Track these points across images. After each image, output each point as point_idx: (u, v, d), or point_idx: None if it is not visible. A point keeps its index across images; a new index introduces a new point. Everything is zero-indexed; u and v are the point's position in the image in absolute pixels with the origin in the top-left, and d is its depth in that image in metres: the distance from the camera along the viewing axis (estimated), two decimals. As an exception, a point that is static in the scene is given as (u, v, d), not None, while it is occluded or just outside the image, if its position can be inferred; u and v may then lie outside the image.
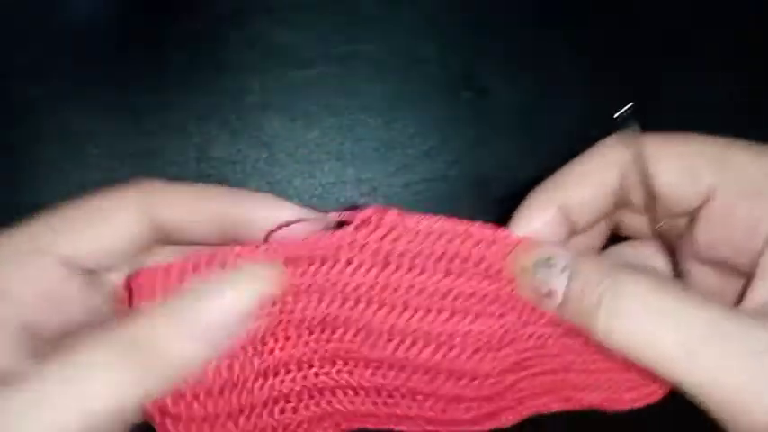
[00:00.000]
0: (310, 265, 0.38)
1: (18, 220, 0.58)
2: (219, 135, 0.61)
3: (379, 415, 0.42)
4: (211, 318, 0.33)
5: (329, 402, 0.41)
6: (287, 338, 0.40)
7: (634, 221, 0.43)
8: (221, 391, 0.39)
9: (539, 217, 0.39)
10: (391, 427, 0.43)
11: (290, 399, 0.41)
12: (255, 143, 0.61)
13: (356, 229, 0.38)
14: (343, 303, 0.39)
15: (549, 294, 0.37)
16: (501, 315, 0.39)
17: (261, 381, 0.41)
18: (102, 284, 0.42)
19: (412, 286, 0.39)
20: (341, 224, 0.39)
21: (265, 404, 0.41)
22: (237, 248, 0.37)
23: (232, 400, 0.40)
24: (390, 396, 0.41)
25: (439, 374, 0.40)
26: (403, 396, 0.41)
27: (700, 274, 0.42)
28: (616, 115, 0.40)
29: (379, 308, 0.39)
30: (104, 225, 0.39)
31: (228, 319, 0.33)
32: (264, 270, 0.35)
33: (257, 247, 0.38)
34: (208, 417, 0.40)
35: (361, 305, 0.39)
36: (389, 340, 0.40)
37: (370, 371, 0.41)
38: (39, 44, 0.61)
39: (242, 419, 0.41)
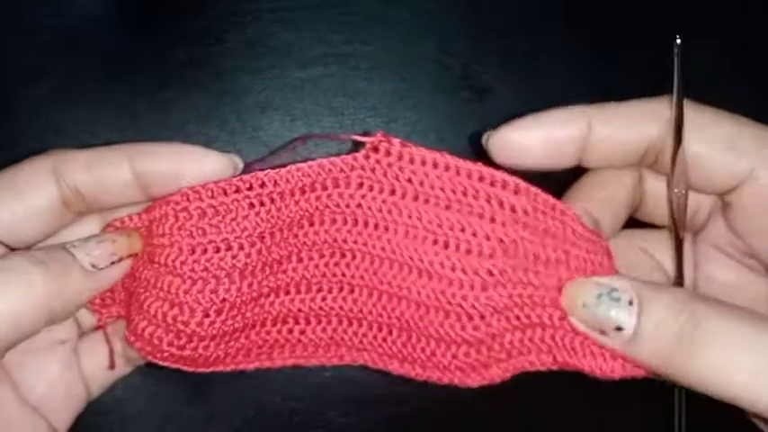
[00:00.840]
0: (324, 189, 0.42)
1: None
2: (219, 135, 0.61)
3: (377, 351, 0.44)
4: (95, 252, 0.39)
5: (334, 330, 0.44)
6: (299, 260, 0.43)
7: (655, 191, 0.42)
8: (239, 306, 0.42)
9: (561, 122, 0.39)
10: (386, 367, 0.44)
11: (299, 320, 0.44)
12: (255, 143, 0.61)
13: (367, 154, 0.41)
14: (354, 224, 0.42)
15: (617, 330, 0.36)
16: (491, 255, 0.40)
17: (273, 297, 0.43)
18: None
19: (416, 212, 0.41)
20: (355, 149, 0.41)
21: (275, 321, 0.44)
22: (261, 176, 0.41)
23: (246, 314, 0.43)
24: (389, 332, 0.43)
25: (430, 310, 0.41)
26: (399, 334, 0.43)
27: (717, 266, 0.41)
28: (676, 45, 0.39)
29: (385, 231, 0.42)
30: (20, 194, 0.40)
31: (107, 256, 0.40)
32: (133, 233, 0.41)
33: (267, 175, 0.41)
34: (225, 333, 0.42)
35: (369, 228, 0.42)
36: (390, 267, 0.42)
37: (372, 300, 0.43)
38: (39, 44, 0.61)
39: (253, 333, 0.44)
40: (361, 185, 0.41)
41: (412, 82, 0.62)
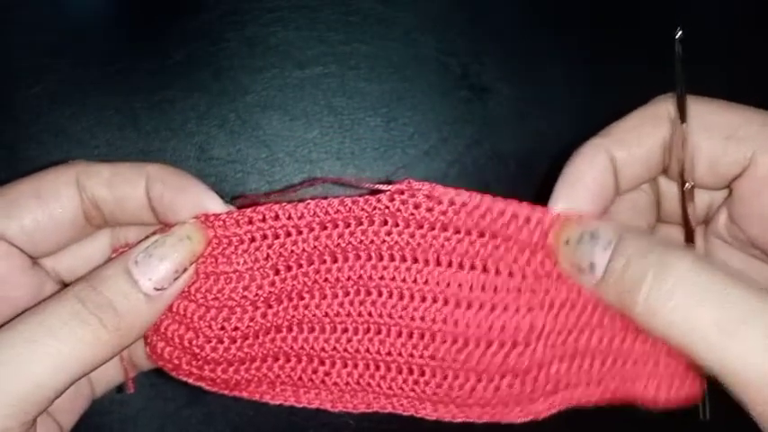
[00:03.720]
0: (347, 226, 0.40)
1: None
2: (219, 134, 0.61)
3: (408, 396, 0.42)
4: (158, 276, 0.38)
5: (361, 375, 0.42)
6: (323, 297, 0.41)
7: (668, 193, 0.42)
8: (255, 336, 0.41)
9: (589, 169, 0.39)
10: (418, 413, 0.42)
11: (323, 361, 0.42)
12: (255, 142, 0.61)
13: (391, 196, 0.39)
14: (379, 259, 0.40)
15: (590, 268, 0.36)
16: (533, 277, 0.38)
17: (295, 332, 0.42)
18: (46, 271, 0.42)
19: (448, 243, 0.39)
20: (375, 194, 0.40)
21: (299, 358, 0.42)
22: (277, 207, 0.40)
23: (265, 344, 0.42)
24: (421, 373, 0.41)
25: (469, 342, 0.39)
26: (432, 374, 0.41)
27: (725, 257, 0.41)
28: (677, 37, 0.39)
29: (414, 262, 0.40)
30: (42, 202, 0.40)
31: (170, 276, 0.38)
32: (195, 231, 0.39)
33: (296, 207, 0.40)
34: (243, 360, 0.42)
35: (396, 261, 0.40)
36: (422, 300, 0.40)
37: (401, 340, 0.41)
38: (39, 44, 0.61)
39: (276, 366, 0.42)
40: (385, 223, 0.40)
41: (412, 82, 0.62)
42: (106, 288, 0.37)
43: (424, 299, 0.40)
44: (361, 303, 0.41)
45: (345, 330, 0.41)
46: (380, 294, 0.41)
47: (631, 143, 0.39)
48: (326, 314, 0.41)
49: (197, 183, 0.41)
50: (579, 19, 0.64)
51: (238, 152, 0.61)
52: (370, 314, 0.41)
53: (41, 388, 0.34)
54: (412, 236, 0.39)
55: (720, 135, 0.37)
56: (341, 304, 0.41)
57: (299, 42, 0.62)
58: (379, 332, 0.41)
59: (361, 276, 0.40)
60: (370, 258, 0.40)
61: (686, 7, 0.65)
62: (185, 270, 0.39)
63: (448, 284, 0.39)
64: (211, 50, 0.62)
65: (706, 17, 0.65)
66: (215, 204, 0.40)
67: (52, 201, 0.40)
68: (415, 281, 0.40)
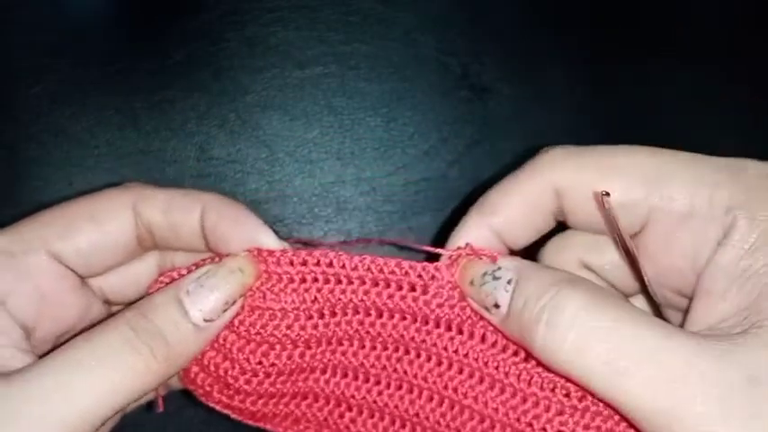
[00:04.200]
0: (398, 289, 0.40)
1: (18, 219, 0.59)
2: (219, 134, 0.61)
3: None
4: (208, 307, 0.38)
5: (386, 429, 0.42)
6: (362, 346, 0.42)
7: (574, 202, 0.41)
8: (290, 373, 0.42)
9: (474, 239, 0.39)
10: None
11: (351, 407, 0.43)
12: (255, 142, 0.61)
13: (450, 264, 0.39)
14: (424, 323, 0.40)
15: (495, 307, 0.36)
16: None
17: (329, 375, 0.42)
18: (93, 290, 0.42)
19: (492, 326, 0.39)
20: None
21: (327, 399, 0.43)
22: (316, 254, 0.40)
23: (298, 382, 0.42)
24: None
25: (496, 425, 0.39)
26: None
27: (663, 295, 0.40)
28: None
29: (458, 333, 0.40)
30: (98, 225, 0.40)
31: (220, 307, 0.38)
32: (247, 264, 0.39)
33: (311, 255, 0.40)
34: (274, 395, 0.42)
35: (441, 328, 0.40)
36: (459, 371, 0.40)
37: (431, 405, 0.41)
38: (39, 44, 0.61)
39: (304, 404, 0.43)
40: (437, 294, 0.40)
41: (412, 82, 0.62)
42: (157, 317, 0.37)
43: (461, 371, 0.40)
44: (398, 360, 0.41)
45: (378, 382, 0.42)
46: (419, 356, 0.41)
47: (509, 214, 0.39)
48: (362, 364, 0.42)
49: (252, 216, 0.41)
50: (579, 19, 0.64)
51: (238, 152, 0.61)
52: (405, 372, 0.41)
53: (89, 415, 0.34)
54: (463, 309, 0.39)
55: (615, 203, 0.37)
56: (378, 357, 0.41)
57: (299, 42, 0.62)
58: (410, 391, 0.41)
59: (402, 336, 0.41)
60: (415, 321, 0.40)
61: (686, 7, 0.65)
62: (234, 302, 0.39)
63: (486, 363, 0.39)
64: (211, 50, 0.62)
65: (706, 17, 0.65)
66: (269, 239, 0.40)
67: (108, 224, 0.40)
68: (456, 351, 0.40)
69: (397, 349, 0.41)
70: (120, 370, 0.34)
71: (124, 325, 0.36)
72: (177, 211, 0.40)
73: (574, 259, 0.42)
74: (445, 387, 0.40)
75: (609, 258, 0.41)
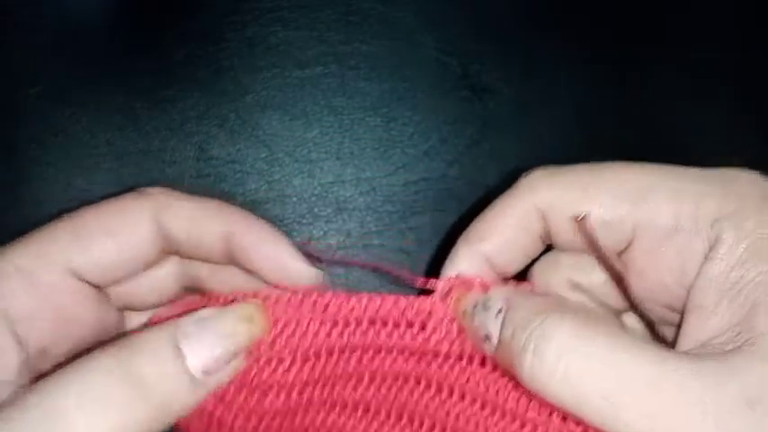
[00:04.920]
0: (395, 326, 0.40)
1: (18, 220, 0.59)
2: (218, 134, 0.61)
3: None
4: (209, 356, 0.34)
5: None
6: (360, 380, 0.41)
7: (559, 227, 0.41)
8: (285, 414, 0.40)
9: (466, 269, 0.39)
10: None
11: None
12: (254, 142, 0.61)
13: (443, 296, 0.39)
14: (422, 355, 0.39)
15: (487, 338, 0.35)
16: None
17: (322, 414, 0.41)
18: (111, 299, 0.41)
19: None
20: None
21: None
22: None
23: (295, 421, 0.41)
24: None
25: None
26: None
27: (655, 312, 0.40)
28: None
29: (456, 360, 0.39)
30: (118, 236, 0.38)
31: (223, 359, 0.35)
32: (259, 314, 0.37)
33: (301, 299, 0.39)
34: (268, 429, 0.41)
35: (439, 359, 0.39)
36: (461, 398, 0.39)
37: None
38: (39, 44, 0.61)
39: None
40: (436, 330, 0.39)
41: (412, 82, 0.62)
42: (148, 361, 0.32)
43: (462, 397, 0.39)
44: (399, 390, 0.40)
45: (378, 413, 0.41)
46: (419, 384, 0.40)
47: (497, 240, 0.39)
48: (362, 396, 0.41)
49: (281, 238, 0.39)
50: (579, 19, 0.64)
51: (238, 152, 0.61)
52: (405, 402, 0.40)
53: None
54: (463, 341, 0.39)
55: (599, 221, 0.36)
56: (378, 388, 0.40)
57: (299, 42, 0.62)
58: (411, 421, 0.40)
59: (402, 368, 0.40)
60: (414, 354, 0.40)
61: (687, 7, 0.65)
62: (239, 356, 0.36)
63: (487, 388, 0.38)
64: (211, 50, 0.62)
65: (707, 17, 0.65)
66: (298, 263, 0.39)
67: (127, 236, 0.38)
68: (456, 378, 0.39)
69: (396, 379, 0.40)
70: (98, 419, 0.31)
71: (111, 364, 0.32)
72: (201, 226, 0.39)
73: (563, 280, 0.41)
74: (447, 414, 0.39)
75: (597, 277, 0.40)
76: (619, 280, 0.38)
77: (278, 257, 0.39)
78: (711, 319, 0.33)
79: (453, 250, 0.40)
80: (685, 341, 0.34)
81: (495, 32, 0.63)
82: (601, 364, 0.31)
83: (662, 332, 0.40)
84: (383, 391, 0.41)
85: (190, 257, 0.41)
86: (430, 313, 0.39)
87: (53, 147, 0.60)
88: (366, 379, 0.40)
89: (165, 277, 0.42)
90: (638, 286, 0.38)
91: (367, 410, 0.41)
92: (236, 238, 0.38)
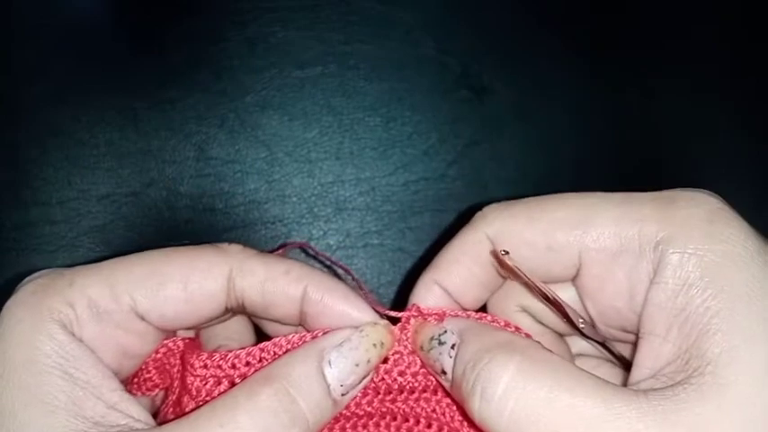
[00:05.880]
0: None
1: (18, 220, 0.59)
2: (218, 134, 0.61)
3: None
4: (349, 382, 0.36)
5: None
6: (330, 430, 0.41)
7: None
8: None
9: (427, 301, 0.40)
10: None
11: None
12: (254, 142, 0.61)
13: (403, 326, 0.39)
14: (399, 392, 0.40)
15: (443, 373, 0.36)
16: None
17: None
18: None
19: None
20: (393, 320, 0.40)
21: None
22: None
23: None
24: None
25: None
26: None
27: (609, 333, 0.40)
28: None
29: (433, 393, 0.40)
30: (190, 287, 0.38)
31: (358, 383, 0.37)
32: (388, 338, 0.38)
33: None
34: None
35: (416, 393, 0.40)
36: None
37: None
38: (39, 44, 0.61)
39: None
40: (397, 362, 0.40)
41: (411, 82, 0.62)
42: (302, 396, 0.34)
43: (429, 425, 0.40)
44: (376, 426, 0.41)
45: None
46: (395, 419, 0.40)
47: (453, 273, 0.40)
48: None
49: (352, 294, 0.40)
50: (579, 19, 0.64)
51: (237, 152, 0.61)
52: None
53: None
54: (426, 374, 0.39)
55: (541, 248, 0.37)
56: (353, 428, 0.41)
57: (299, 42, 0.62)
58: None
59: (372, 406, 0.40)
60: (378, 393, 0.40)
61: (686, 7, 0.65)
62: (367, 377, 0.38)
63: (452, 417, 0.39)
64: (211, 50, 0.62)
65: (706, 17, 0.65)
66: (366, 316, 0.39)
67: (199, 289, 0.38)
68: (422, 410, 0.40)
69: (371, 417, 0.41)
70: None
71: (273, 400, 0.34)
72: (276, 292, 0.39)
73: (513, 305, 0.41)
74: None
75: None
76: (557, 306, 0.38)
77: (351, 317, 0.39)
78: (663, 347, 0.33)
79: (418, 280, 0.41)
80: (638, 372, 0.34)
81: (495, 33, 0.63)
82: (545, 406, 0.31)
83: (617, 350, 0.40)
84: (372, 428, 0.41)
85: (257, 317, 0.42)
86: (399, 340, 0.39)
87: (53, 147, 0.60)
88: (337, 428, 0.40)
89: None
90: (591, 310, 0.38)
91: None
92: (311, 301, 0.39)
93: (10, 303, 0.36)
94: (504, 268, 0.38)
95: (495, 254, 0.37)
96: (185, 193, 0.60)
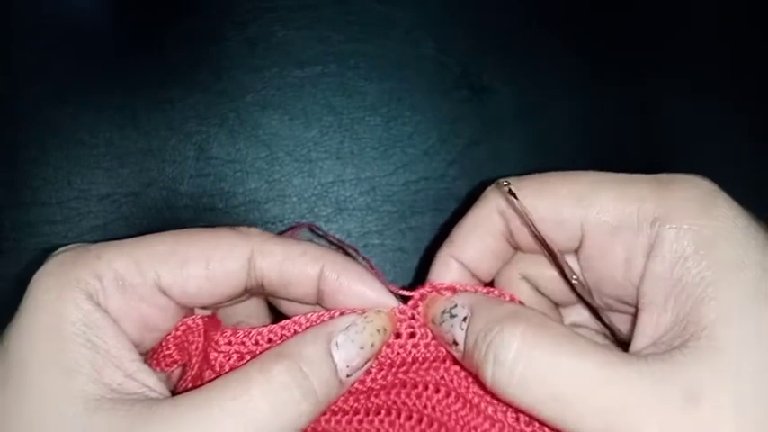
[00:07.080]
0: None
1: (18, 220, 0.59)
2: (218, 134, 0.61)
3: None
4: (354, 364, 0.38)
5: None
6: (356, 413, 0.43)
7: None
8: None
9: (445, 275, 0.42)
10: None
11: None
12: (255, 142, 0.61)
13: (415, 303, 0.41)
14: (412, 364, 0.41)
15: (455, 344, 0.38)
16: None
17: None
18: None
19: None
20: (404, 299, 0.41)
21: None
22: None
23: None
24: None
25: None
26: None
27: (607, 303, 0.42)
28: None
29: (442, 362, 0.41)
30: (211, 272, 0.39)
31: (362, 366, 0.38)
32: (390, 324, 0.40)
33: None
34: None
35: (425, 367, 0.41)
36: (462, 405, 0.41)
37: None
38: (39, 44, 0.61)
39: None
40: (412, 335, 0.41)
41: (411, 82, 0.62)
42: (313, 372, 0.36)
43: (437, 390, 0.42)
44: (387, 391, 0.42)
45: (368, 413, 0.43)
46: (416, 387, 0.42)
47: (470, 245, 0.42)
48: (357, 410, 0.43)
49: (368, 275, 0.41)
50: (579, 19, 0.64)
51: (238, 152, 0.61)
52: (404, 403, 0.42)
53: None
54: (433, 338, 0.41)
55: (550, 219, 0.39)
56: (363, 421, 0.42)
57: (299, 42, 0.62)
58: (409, 418, 0.42)
59: (392, 377, 0.42)
60: (403, 365, 0.41)
61: (686, 7, 0.65)
62: (370, 361, 0.39)
63: (467, 388, 0.41)
64: (211, 50, 0.62)
65: (706, 17, 0.65)
66: (383, 298, 0.40)
67: (220, 273, 0.39)
68: (442, 378, 0.41)
69: (383, 388, 0.42)
70: (273, 415, 0.34)
71: (285, 377, 0.35)
72: (294, 272, 0.40)
73: (515, 273, 0.44)
74: (424, 407, 0.42)
75: (546, 273, 0.43)
76: (552, 254, 0.40)
77: (366, 296, 0.40)
78: (662, 316, 0.35)
79: (435, 256, 0.43)
80: (639, 339, 0.36)
81: (495, 33, 0.63)
82: (550, 369, 0.33)
83: (610, 319, 0.42)
84: (372, 422, 0.42)
85: (274, 296, 0.43)
86: (413, 317, 0.41)
87: (53, 147, 0.60)
88: (362, 404, 0.42)
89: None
90: (591, 280, 0.41)
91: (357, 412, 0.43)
92: (327, 280, 0.40)
93: (39, 273, 0.37)
94: (512, 207, 0.40)
95: (506, 193, 0.39)
96: (185, 193, 0.60)
